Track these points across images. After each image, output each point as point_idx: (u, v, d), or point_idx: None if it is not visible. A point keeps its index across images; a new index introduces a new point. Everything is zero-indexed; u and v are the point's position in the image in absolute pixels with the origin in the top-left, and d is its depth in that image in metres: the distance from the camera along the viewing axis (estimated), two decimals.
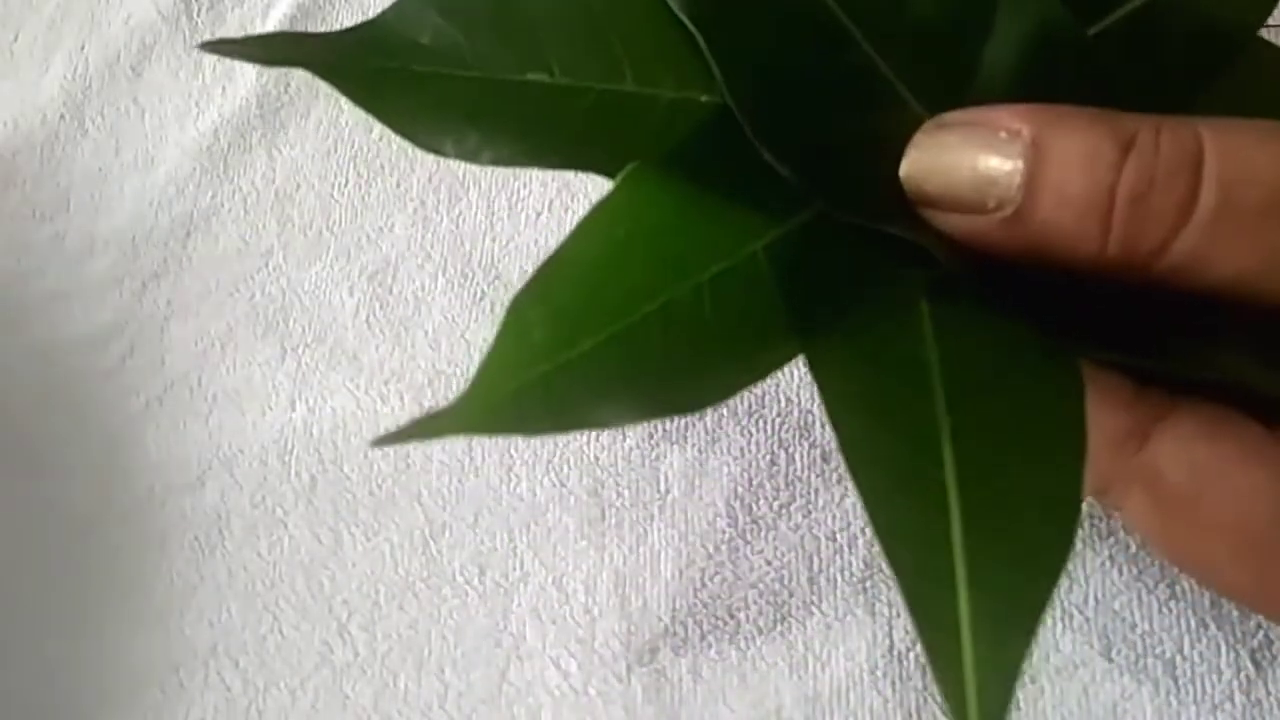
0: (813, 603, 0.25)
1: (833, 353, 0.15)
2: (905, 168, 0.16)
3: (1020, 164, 0.15)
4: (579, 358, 0.14)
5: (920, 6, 0.17)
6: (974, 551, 0.13)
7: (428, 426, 0.14)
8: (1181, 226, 0.14)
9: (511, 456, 0.27)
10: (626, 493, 0.26)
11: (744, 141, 0.16)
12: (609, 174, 0.17)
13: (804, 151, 0.16)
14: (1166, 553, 0.18)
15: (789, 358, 0.15)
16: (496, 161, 0.18)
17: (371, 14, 0.35)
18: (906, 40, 0.17)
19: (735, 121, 0.16)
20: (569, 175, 0.30)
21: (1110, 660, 0.23)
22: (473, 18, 0.19)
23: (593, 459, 0.27)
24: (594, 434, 0.27)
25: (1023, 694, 0.23)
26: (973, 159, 0.15)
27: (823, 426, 0.26)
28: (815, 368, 0.15)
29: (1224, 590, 0.19)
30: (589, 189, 0.30)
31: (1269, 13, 0.18)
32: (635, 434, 0.27)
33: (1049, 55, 0.17)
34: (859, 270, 0.16)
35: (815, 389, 0.15)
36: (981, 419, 0.14)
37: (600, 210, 0.16)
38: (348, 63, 0.19)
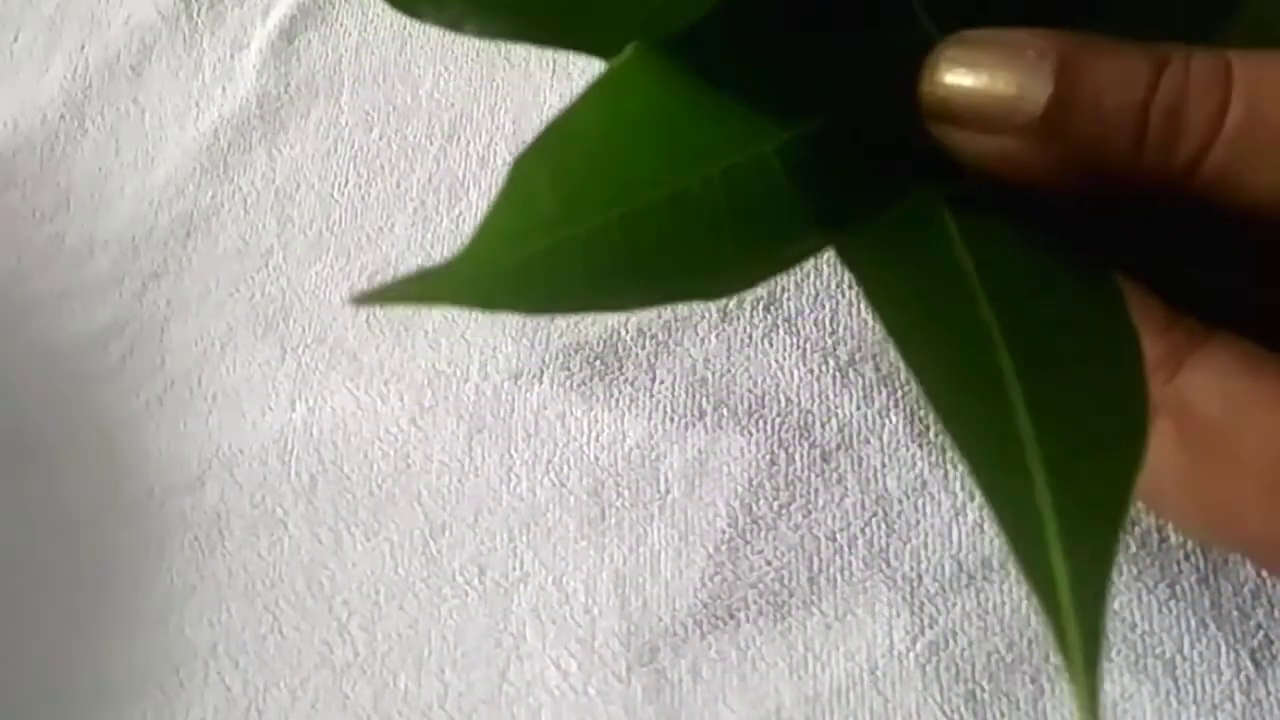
0: (813, 603, 0.25)
1: (863, 249, 0.14)
2: (927, 83, 0.16)
3: (1050, 81, 0.15)
4: (586, 234, 0.13)
5: None
6: (1047, 442, 0.12)
7: (418, 288, 0.13)
8: (1214, 139, 0.14)
9: (511, 456, 0.27)
10: (626, 493, 0.26)
11: (751, 42, 0.15)
12: (601, 54, 0.16)
13: (818, 50, 0.16)
14: (1187, 497, 0.17)
15: (813, 251, 0.15)
16: (482, 33, 0.17)
17: (371, 15, 0.35)
18: None
19: (741, 18, 0.15)
20: None
21: (1110, 660, 0.23)
22: None
23: (593, 459, 0.27)
24: (594, 434, 0.27)
25: (1022, 694, 0.23)
26: (1001, 74, 0.15)
27: (822, 426, 0.26)
28: (847, 259, 0.14)
29: (1246, 541, 0.18)
30: None
31: None
32: (635, 434, 0.27)
33: None
34: (875, 179, 0.15)
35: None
36: (1029, 319, 0.14)
37: (609, 79, 0.15)
38: None
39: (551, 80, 0.32)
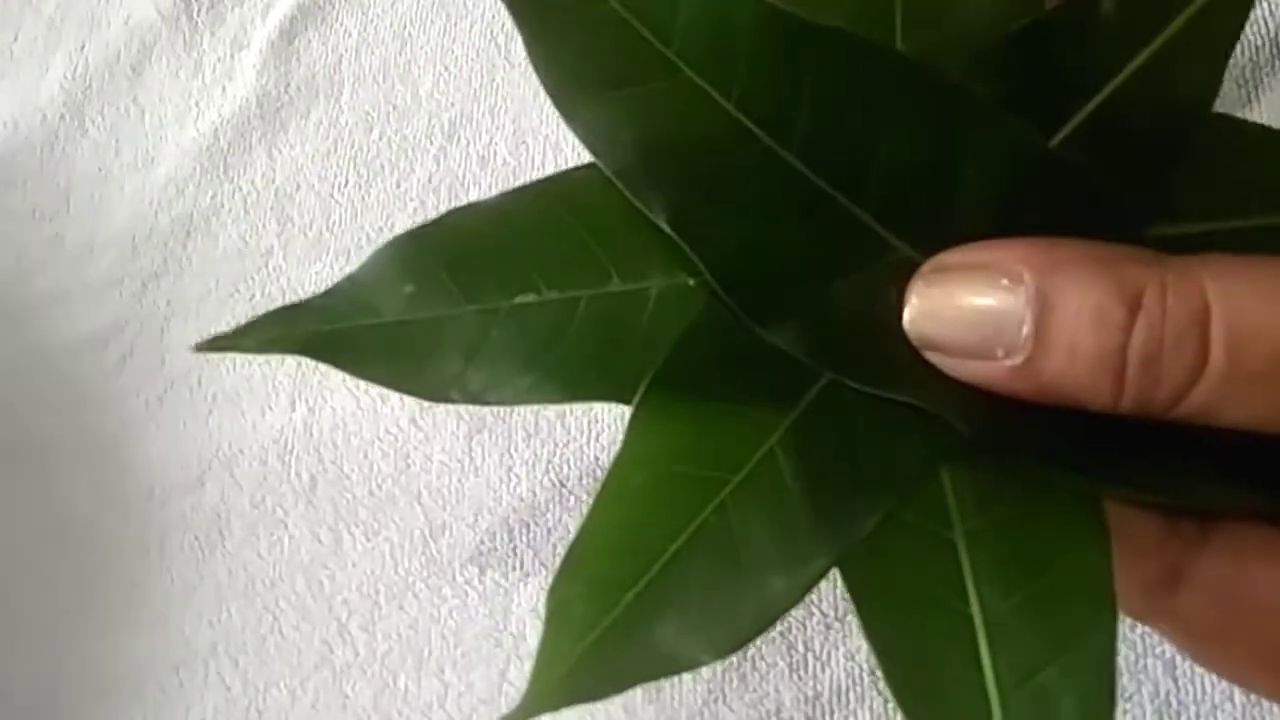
0: (813, 603, 0.25)
1: (861, 568, 0.15)
2: (908, 315, 0.16)
3: (1026, 313, 0.15)
4: (621, 617, 0.15)
5: (886, 150, 0.17)
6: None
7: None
8: (1194, 384, 0.15)
9: (511, 456, 0.27)
10: None
11: (736, 330, 0.16)
12: (613, 399, 0.17)
13: (801, 321, 0.16)
14: (1208, 669, 0.18)
15: (824, 569, 0.15)
16: (502, 401, 0.18)
17: (371, 15, 0.35)
18: (880, 185, 0.17)
19: (723, 314, 0.17)
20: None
21: None
22: (452, 256, 0.19)
23: (593, 459, 0.27)
24: (594, 434, 0.27)
25: None
26: (975, 305, 0.15)
27: None
28: (848, 581, 0.15)
29: (1273, 699, 0.20)
30: None
31: (1219, 86, 0.18)
32: None
33: (1022, 175, 0.17)
34: (875, 443, 0.16)
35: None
36: (1013, 602, 0.15)
37: (615, 467, 0.16)
38: (340, 334, 0.19)
39: None
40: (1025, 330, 0.15)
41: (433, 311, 0.18)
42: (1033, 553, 0.15)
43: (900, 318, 0.16)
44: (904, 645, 0.15)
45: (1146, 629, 0.23)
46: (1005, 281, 0.15)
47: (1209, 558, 0.16)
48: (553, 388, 0.18)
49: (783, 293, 0.17)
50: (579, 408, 0.27)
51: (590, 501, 0.16)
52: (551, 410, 0.28)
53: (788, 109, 0.17)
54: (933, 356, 0.16)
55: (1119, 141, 0.17)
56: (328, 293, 0.19)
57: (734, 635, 0.15)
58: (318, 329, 0.19)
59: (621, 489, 0.16)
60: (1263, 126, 0.19)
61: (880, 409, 0.16)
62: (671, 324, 0.18)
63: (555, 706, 0.15)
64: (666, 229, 0.17)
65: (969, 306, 0.15)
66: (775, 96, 0.17)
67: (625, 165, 0.17)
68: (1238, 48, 0.29)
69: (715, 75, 0.17)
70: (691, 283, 0.18)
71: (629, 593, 0.15)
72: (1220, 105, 0.28)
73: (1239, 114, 0.28)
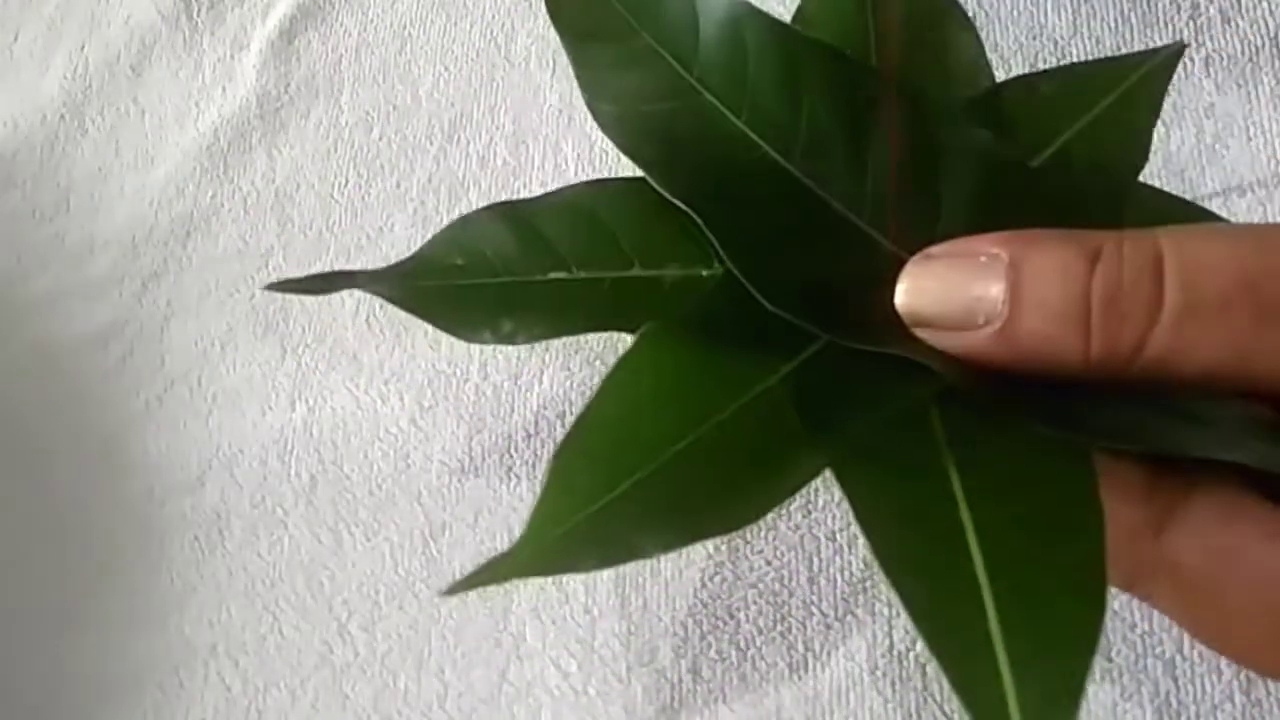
0: (813, 603, 0.25)
1: (857, 465, 0.16)
2: (900, 296, 0.18)
3: (1003, 283, 0.16)
4: (618, 497, 0.16)
5: (877, 165, 0.19)
6: (1011, 641, 0.14)
7: (489, 573, 0.15)
8: (1154, 323, 0.16)
9: (511, 456, 0.27)
10: None
11: (747, 300, 0.18)
12: (630, 332, 0.19)
13: (804, 299, 0.18)
14: (1201, 640, 0.18)
15: (817, 472, 0.17)
16: (530, 340, 0.21)
17: (371, 15, 0.35)
18: (870, 194, 0.19)
19: (736, 287, 0.18)
20: (569, 176, 0.30)
21: (1110, 660, 0.23)
22: (498, 240, 0.22)
23: None
24: None
25: None
26: (960, 283, 0.17)
27: None
28: (842, 481, 0.16)
29: (1266, 673, 0.20)
30: None
31: (1145, 159, 0.21)
32: None
33: (996, 187, 0.19)
34: (869, 388, 0.18)
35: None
36: (1002, 515, 0.16)
37: (622, 367, 0.18)
38: (397, 285, 0.22)
39: (551, 80, 0.32)
40: (1002, 296, 0.16)
41: (476, 279, 0.22)
42: (1021, 475, 0.16)
43: (891, 301, 0.18)
44: (902, 546, 0.15)
45: (1146, 630, 0.23)
46: (984, 259, 0.17)
47: (1193, 504, 0.17)
48: (576, 322, 0.21)
49: (786, 273, 0.19)
50: (579, 408, 0.27)
51: (597, 386, 0.17)
52: (551, 411, 0.28)
53: (788, 127, 0.20)
54: (923, 333, 0.18)
55: (1062, 194, 0.20)
56: (392, 265, 0.23)
57: (723, 527, 0.16)
58: (378, 282, 0.23)
59: (628, 388, 0.17)
60: (1185, 201, 0.22)
61: (874, 360, 0.18)
62: (685, 303, 0.21)
63: (545, 569, 0.16)
64: (684, 208, 0.19)
65: (954, 281, 0.17)
66: (777, 120, 0.20)
67: (653, 162, 0.20)
68: (1238, 47, 0.29)
69: (728, 97, 0.21)
70: (704, 274, 0.21)
71: (628, 480, 0.16)
72: (1220, 105, 0.29)
73: (1239, 114, 0.28)
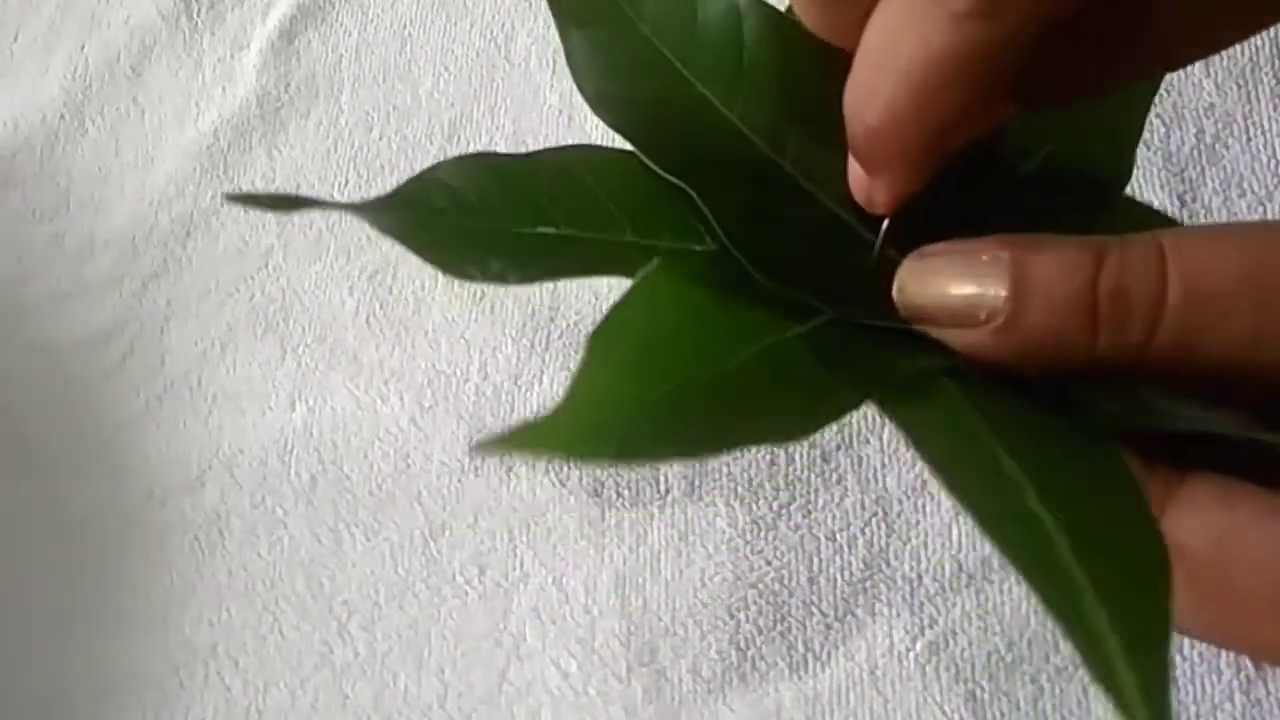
0: (813, 603, 0.25)
1: (900, 404, 0.17)
2: (899, 292, 0.18)
3: (1005, 279, 0.17)
4: (652, 401, 0.16)
5: None
6: (1091, 571, 0.14)
7: (522, 439, 0.14)
8: (1160, 315, 0.16)
9: (511, 456, 0.27)
10: (626, 493, 0.27)
11: (745, 274, 0.18)
12: (627, 275, 0.18)
13: (798, 279, 0.18)
14: (1201, 628, 0.18)
15: (854, 405, 0.17)
16: (522, 280, 0.20)
17: (371, 15, 0.35)
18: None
19: (733, 261, 0.18)
20: None
21: None
22: (484, 185, 0.21)
23: None
24: None
25: (1022, 694, 0.23)
26: (961, 280, 0.17)
27: None
28: (889, 412, 0.17)
29: (1271, 656, 0.20)
30: None
31: (1132, 168, 0.21)
32: None
33: (987, 192, 0.19)
34: (883, 352, 0.18)
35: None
36: (1040, 464, 0.16)
37: (644, 284, 0.17)
38: (378, 216, 0.21)
39: (552, 80, 0.32)
40: (1005, 293, 0.17)
41: (462, 221, 0.21)
42: (1049, 437, 0.16)
43: (885, 296, 0.18)
44: (949, 462, 0.16)
45: None
46: (985, 258, 0.17)
47: (1190, 488, 0.17)
48: (569, 269, 0.20)
49: (781, 254, 0.19)
50: None
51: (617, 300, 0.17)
52: None
53: (781, 125, 0.20)
54: (926, 330, 0.18)
55: (1049, 203, 0.20)
56: (382, 196, 0.21)
57: (760, 441, 0.16)
58: (367, 210, 0.21)
59: (651, 304, 0.17)
60: (1166, 217, 0.22)
61: (882, 331, 0.18)
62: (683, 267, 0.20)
63: (581, 455, 0.15)
64: (678, 183, 0.19)
65: (955, 277, 0.17)
66: (771, 114, 0.20)
67: (648, 146, 0.20)
68: (1238, 47, 0.29)
69: (722, 91, 0.20)
70: (698, 248, 0.20)
71: (660, 387, 0.16)
72: (1221, 105, 0.29)
73: (1239, 114, 0.28)
